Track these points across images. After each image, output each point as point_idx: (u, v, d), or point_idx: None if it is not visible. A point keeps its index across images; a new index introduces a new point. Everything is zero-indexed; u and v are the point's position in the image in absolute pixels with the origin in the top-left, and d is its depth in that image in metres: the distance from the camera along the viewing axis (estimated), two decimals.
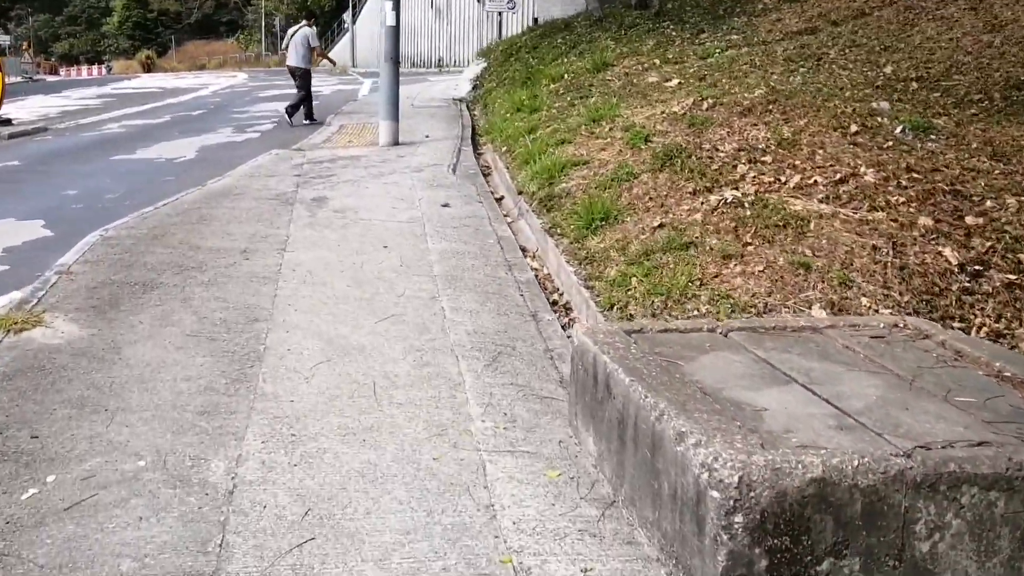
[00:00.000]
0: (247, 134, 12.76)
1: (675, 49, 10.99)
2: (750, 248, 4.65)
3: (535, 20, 18.92)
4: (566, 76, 11.48)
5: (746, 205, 5.09)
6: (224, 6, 64.53)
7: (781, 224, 4.78)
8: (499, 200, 7.65)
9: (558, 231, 5.84)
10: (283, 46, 14.30)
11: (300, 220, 6.39)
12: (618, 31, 12.97)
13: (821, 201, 5.07)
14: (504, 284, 5.09)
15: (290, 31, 13.65)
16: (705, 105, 7.52)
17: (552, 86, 11.32)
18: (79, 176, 9.20)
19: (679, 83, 8.98)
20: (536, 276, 5.39)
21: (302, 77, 12.91)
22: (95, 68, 51.80)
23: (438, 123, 12.41)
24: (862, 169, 5.33)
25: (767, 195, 5.21)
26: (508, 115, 10.78)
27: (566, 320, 4.82)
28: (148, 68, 55.80)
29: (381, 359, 3.88)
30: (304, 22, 13.70)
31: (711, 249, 4.68)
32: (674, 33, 11.78)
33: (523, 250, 5.95)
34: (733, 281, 4.38)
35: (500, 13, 21.99)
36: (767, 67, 8.78)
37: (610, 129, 7.79)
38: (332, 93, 20.77)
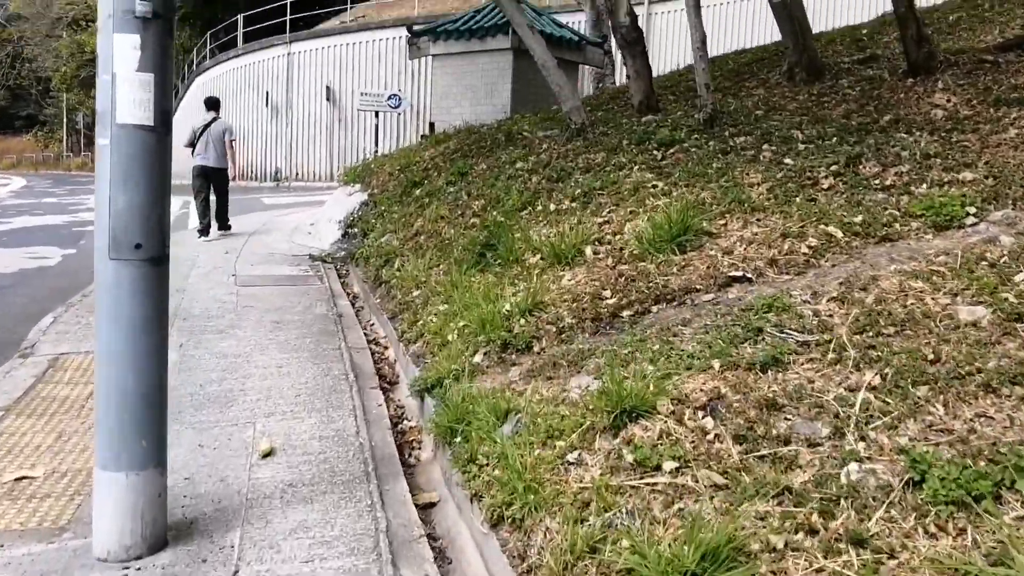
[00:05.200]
0: None
1: (836, 198, 4.72)
2: None
3: (431, 126, 12.28)
4: (590, 252, 4.84)
5: None
6: (21, 99, 54.69)
7: None
8: None
9: None
10: (187, 142, 9.88)
11: None
12: (638, 153, 6.56)
13: None
14: None
15: (199, 123, 10.06)
16: None
17: (568, 278, 4.60)
18: None
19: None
20: None
21: (224, 180, 10.13)
22: None
23: (298, 367, 5.24)
24: None
25: None
26: (487, 367, 3.99)
27: None
28: None
29: None
30: (214, 112, 10.10)
31: None
32: (790, 161, 5.51)
33: None
34: None
35: (377, 115, 14.81)
36: None
37: None
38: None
